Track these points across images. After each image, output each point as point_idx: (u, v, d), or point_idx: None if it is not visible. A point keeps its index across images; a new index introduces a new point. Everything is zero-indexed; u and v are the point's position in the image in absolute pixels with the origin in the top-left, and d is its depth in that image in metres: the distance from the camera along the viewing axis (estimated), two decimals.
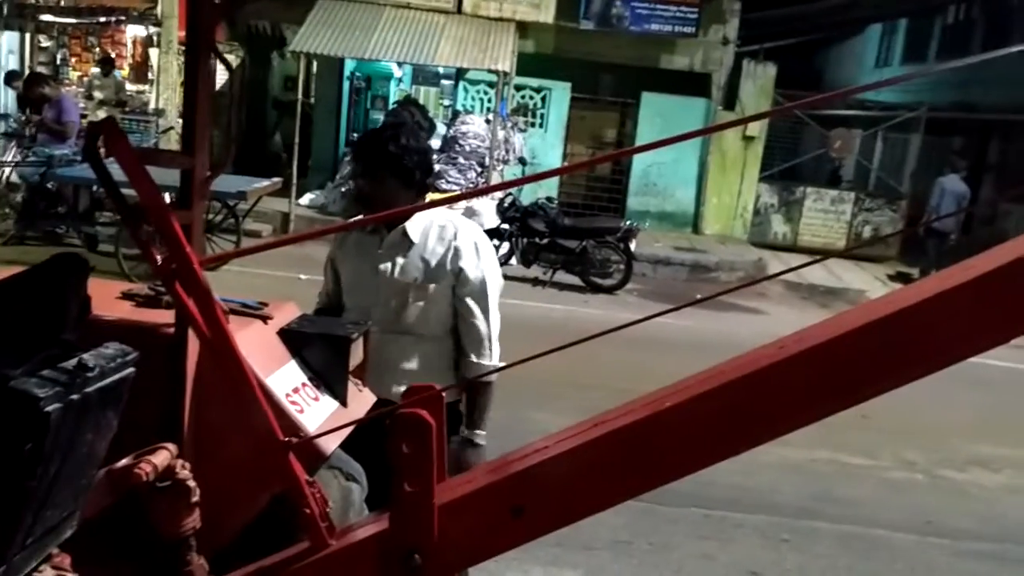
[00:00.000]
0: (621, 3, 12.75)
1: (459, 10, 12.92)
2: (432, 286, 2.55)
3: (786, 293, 10.67)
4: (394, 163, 2.49)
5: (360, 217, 2.52)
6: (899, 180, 14.30)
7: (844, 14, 15.59)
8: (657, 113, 13.17)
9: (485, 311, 2.57)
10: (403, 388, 2.49)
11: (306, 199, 12.24)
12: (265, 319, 2.05)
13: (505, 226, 9.92)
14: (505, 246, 9.85)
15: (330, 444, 1.85)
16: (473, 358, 2.57)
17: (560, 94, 13.54)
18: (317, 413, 1.92)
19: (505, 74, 11.85)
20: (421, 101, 13.03)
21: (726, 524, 4.39)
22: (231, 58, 13.76)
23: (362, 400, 2.18)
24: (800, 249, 13.06)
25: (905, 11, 18.38)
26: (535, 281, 9.77)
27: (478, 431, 2.56)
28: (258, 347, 1.88)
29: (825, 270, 11.61)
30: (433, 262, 2.55)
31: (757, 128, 13.08)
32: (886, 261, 13.06)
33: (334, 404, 2.02)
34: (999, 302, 1.19)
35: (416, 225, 2.58)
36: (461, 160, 11.74)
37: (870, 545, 4.37)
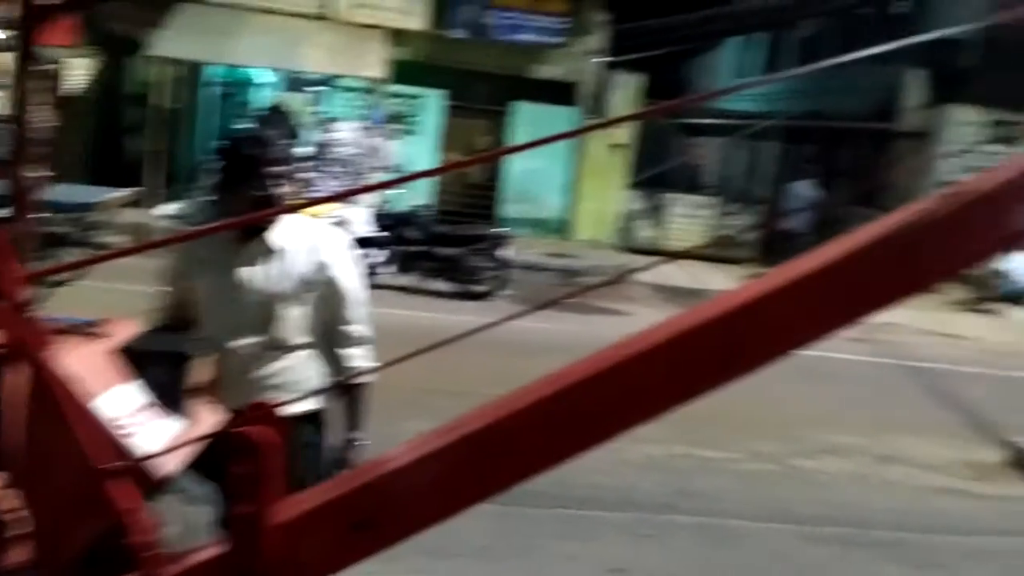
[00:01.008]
0: (491, 12, 12.91)
1: (328, 16, 12.76)
2: (301, 296, 2.52)
3: (651, 295, 11.04)
4: (256, 172, 2.45)
5: (210, 225, 2.46)
6: (758, 186, 15.07)
7: (706, 27, 16.28)
8: (528, 122, 13.40)
9: (358, 317, 2.59)
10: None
11: (166, 209, 11.78)
12: (98, 337, 1.98)
13: (378, 234, 9.86)
14: (379, 254, 9.79)
15: (167, 467, 1.81)
16: (350, 362, 2.58)
17: (434, 102, 13.58)
18: (155, 435, 1.88)
19: (377, 81, 11.79)
20: (291, 108, 12.79)
21: (588, 523, 4.52)
22: (85, 62, 13.10)
23: (212, 419, 2.14)
24: (666, 252, 13.54)
25: (762, 25, 19.35)
26: (409, 289, 9.75)
27: (359, 433, 2.59)
28: (89, 368, 1.82)
29: (688, 273, 12.08)
30: (301, 271, 2.52)
31: (624, 136, 13.51)
32: (747, 263, 13.70)
33: (177, 425, 1.98)
34: (819, 299, 1.28)
35: (281, 234, 2.53)
36: (331, 168, 11.59)
37: (726, 535, 4.59)
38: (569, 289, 10.98)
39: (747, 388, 1.31)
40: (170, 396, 1.99)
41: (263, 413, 1.41)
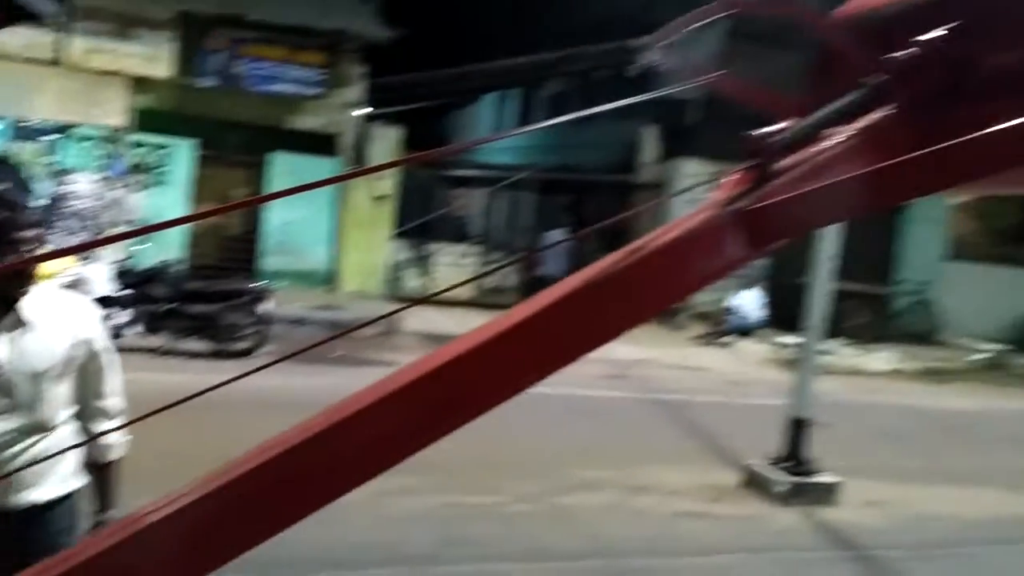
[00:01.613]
0: (242, 62, 12.59)
1: (62, 62, 11.85)
2: (62, 372, 2.31)
3: (420, 344, 11.11)
4: (5, 238, 2.18)
5: None
6: (517, 234, 15.72)
7: (462, 83, 16.88)
8: (287, 172, 13.14)
9: (113, 388, 2.46)
10: (33, 492, 2.21)
11: None
12: None
13: (121, 293, 9.17)
14: (123, 315, 9.09)
15: None
16: (105, 438, 2.43)
17: (185, 152, 12.96)
18: None
19: (118, 130, 11.06)
20: (20, 159, 11.67)
21: None
22: None
23: None
24: (431, 301, 13.72)
25: (515, 83, 20.39)
26: (160, 351, 9.12)
27: (112, 511, 2.47)
28: None
29: (455, 320, 12.30)
30: (61, 345, 2.31)
31: (387, 187, 13.62)
32: (509, 308, 14.17)
33: None
34: (532, 345, 1.32)
35: (33, 305, 2.27)
36: (67, 223, 10.67)
37: None
38: (335, 342, 10.78)
39: (510, 430, 1.34)
40: None
41: None
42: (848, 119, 1.28)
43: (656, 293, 1.26)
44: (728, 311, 13.79)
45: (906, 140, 1.20)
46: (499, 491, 5.95)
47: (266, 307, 9.69)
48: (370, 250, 13.98)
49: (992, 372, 13.86)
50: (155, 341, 9.22)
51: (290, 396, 4.87)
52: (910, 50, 1.23)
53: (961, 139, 1.05)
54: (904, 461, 7.91)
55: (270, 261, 13.51)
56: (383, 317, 2.56)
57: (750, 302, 13.75)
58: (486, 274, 14.21)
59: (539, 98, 21.83)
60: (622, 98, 1.60)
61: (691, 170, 14.14)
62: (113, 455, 2.48)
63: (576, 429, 7.66)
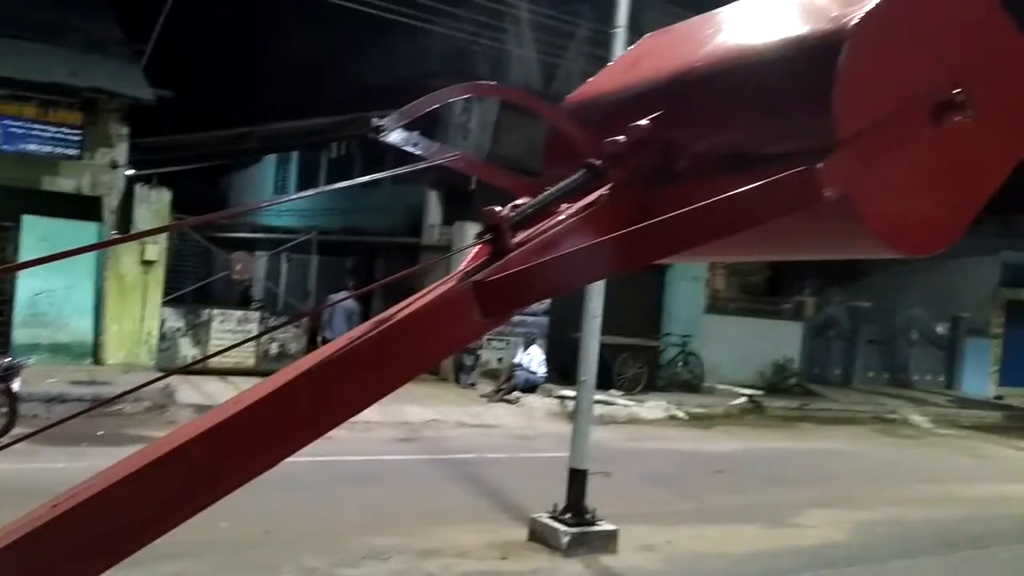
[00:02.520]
0: None
1: None
2: None
3: (196, 417, 10.49)
4: None
5: None
6: (303, 298, 15.35)
7: (238, 144, 16.44)
8: (42, 237, 12.09)
9: None
10: None
11: None
12: None
13: None
14: None
15: None
16: None
17: None
18: None
19: None
20: None
21: None
22: None
23: None
24: (210, 371, 13.02)
25: (294, 145, 20.15)
26: None
27: None
28: None
29: (235, 390, 11.74)
30: None
31: (156, 252, 12.90)
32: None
33: None
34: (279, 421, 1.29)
35: None
36: None
37: None
38: (98, 419, 9.92)
39: (300, 501, 1.30)
40: None
41: None
42: (574, 197, 1.40)
43: (402, 363, 1.30)
44: (515, 367, 14.17)
45: (621, 216, 1.33)
46: (283, 567, 5.68)
47: (15, 385, 8.77)
48: (137, 318, 13.09)
49: (751, 415, 15.18)
50: None
51: (50, 483, 4.42)
52: (620, 136, 1.38)
53: (663, 217, 1.18)
54: (677, 504, 8.43)
55: (23, 334, 12.30)
56: (138, 388, 2.41)
57: (535, 358, 14.23)
58: (253, 339, 13.71)
59: (322, 161, 21.68)
60: (407, 164, 1.65)
61: (473, 232, 14.52)
62: None
63: (367, 495, 7.51)
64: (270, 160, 23.36)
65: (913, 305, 21.85)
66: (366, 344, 1.30)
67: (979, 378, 22.06)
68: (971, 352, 22.21)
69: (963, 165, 1.43)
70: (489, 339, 14.95)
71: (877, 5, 1.35)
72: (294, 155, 22.71)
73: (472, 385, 14.38)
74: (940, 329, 22.11)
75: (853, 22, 1.33)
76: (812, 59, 1.34)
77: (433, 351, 1.34)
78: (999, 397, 21.28)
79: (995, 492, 10.58)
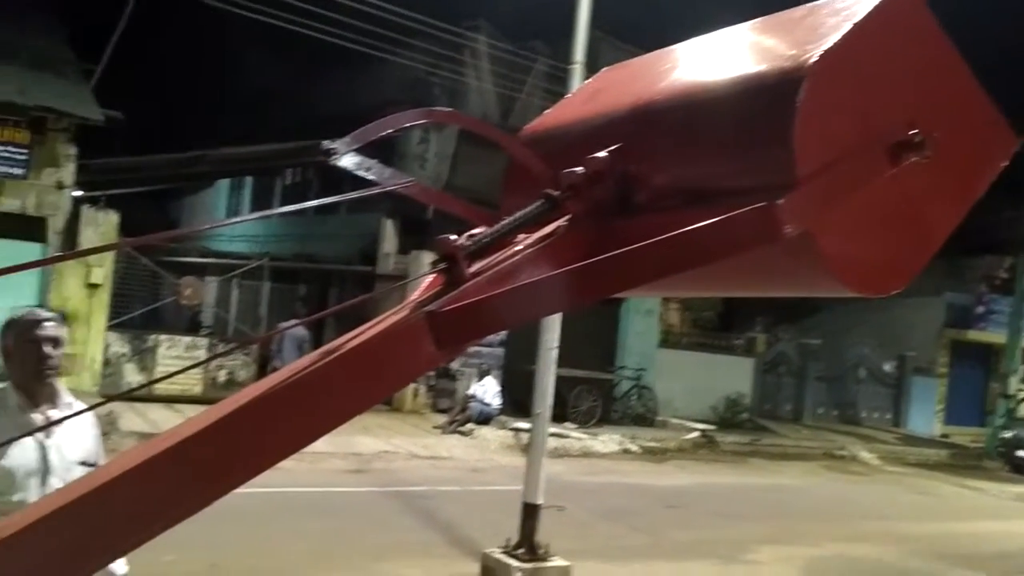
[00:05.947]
0: None
1: None
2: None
3: (138, 444, 10.20)
4: None
5: None
6: (253, 325, 15.09)
7: (190, 168, 16.20)
8: None
9: None
10: None
11: None
12: None
13: None
14: None
15: None
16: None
17: None
18: None
19: None
20: None
21: None
22: None
23: None
24: (156, 398, 12.70)
25: (246, 171, 19.93)
26: None
27: None
28: None
29: (182, 418, 11.43)
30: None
31: (101, 276, 12.61)
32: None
33: None
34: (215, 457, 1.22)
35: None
36: None
37: None
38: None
39: (250, 536, 1.22)
40: None
41: None
42: (532, 227, 1.38)
43: (351, 395, 1.25)
44: (469, 399, 14.06)
45: (579, 248, 1.31)
46: None
47: None
48: (81, 343, 12.74)
49: (703, 450, 15.24)
50: None
51: None
52: (579, 167, 1.36)
53: (620, 251, 1.16)
54: (630, 539, 8.38)
55: None
56: (78, 414, 2.38)
57: (490, 389, 14.14)
58: (200, 364, 13.43)
59: (276, 187, 21.49)
60: (362, 190, 1.60)
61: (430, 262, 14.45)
62: None
63: (316, 528, 7.33)
64: (223, 185, 23.09)
65: (861, 343, 22.25)
66: (312, 374, 1.24)
67: (925, 416, 22.49)
68: (917, 390, 22.65)
69: (920, 206, 1.44)
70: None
71: (835, 44, 1.36)
72: (248, 181, 22.48)
73: (424, 416, 14.23)
74: (887, 367, 22.54)
75: (812, 60, 1.33)
76: (772, 96, 1.34)
77: (383, 383, 1.29)
78: (945, 436, 21.71)
79: (942, 530, 10.74)
